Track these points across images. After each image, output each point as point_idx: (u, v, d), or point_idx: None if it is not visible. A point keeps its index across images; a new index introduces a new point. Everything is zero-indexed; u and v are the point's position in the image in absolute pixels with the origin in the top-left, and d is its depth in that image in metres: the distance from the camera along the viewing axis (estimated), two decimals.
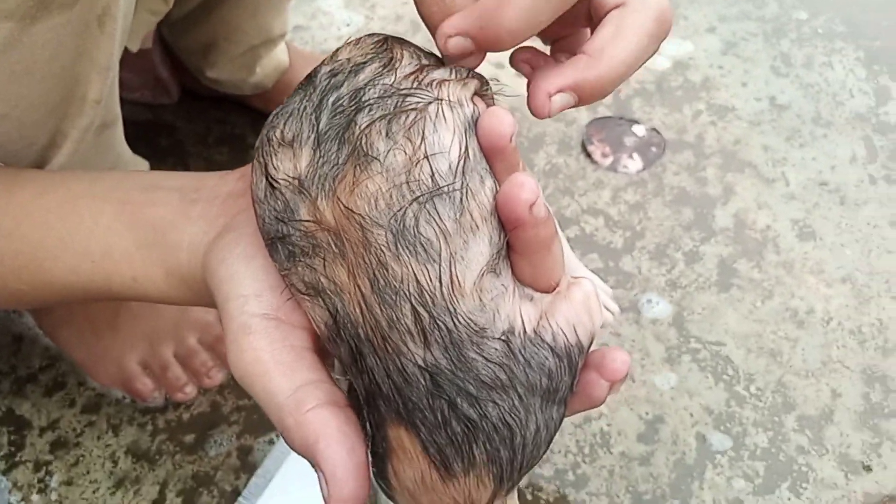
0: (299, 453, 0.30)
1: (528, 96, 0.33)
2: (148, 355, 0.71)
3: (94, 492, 0.67)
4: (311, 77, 0.32)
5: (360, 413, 0.31)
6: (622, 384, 0.33)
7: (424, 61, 0.32)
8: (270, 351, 0.31)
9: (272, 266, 0.32)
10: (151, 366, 0.71)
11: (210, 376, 0.71)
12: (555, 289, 0.31)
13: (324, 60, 0.32)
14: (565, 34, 0.38)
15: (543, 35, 0.38)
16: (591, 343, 0.32)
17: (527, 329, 0.30)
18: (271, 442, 0.69)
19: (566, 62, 0.33)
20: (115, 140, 0.57)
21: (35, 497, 0.66)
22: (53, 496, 0.66)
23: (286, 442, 0.31)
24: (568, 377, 0.31)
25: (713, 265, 0.79)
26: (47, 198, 0.42)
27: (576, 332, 0.31)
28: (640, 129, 0.89)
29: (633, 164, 0.86)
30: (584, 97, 0.33)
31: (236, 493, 0.66)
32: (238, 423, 0.70)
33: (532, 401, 0.30)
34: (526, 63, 0.36)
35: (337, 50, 0.33)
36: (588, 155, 0.87)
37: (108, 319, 0.71)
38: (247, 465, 0.68)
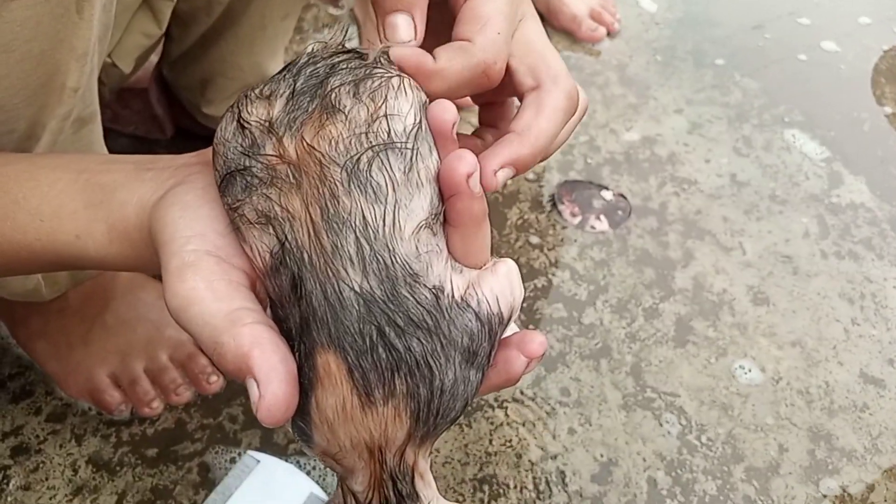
0: (232, 372, 0.32)
1: (480, 175, 0.37)
2: (118, 369, 0.72)
3: (50, 498, 0.67)
4: (290, 63, 0.36)
5: (290, 348, 0.33)
6: (537, 364, 0.36)
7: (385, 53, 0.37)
8: (209, 281, 0.33)
9: (217, 215, 0.35)
10: (121, 379, 0.72)
11: (178, 393, 0.73)
12: (482, 267, 0.35)
13: (302, 53, 0.37)
14: (493, 101, 0.45)
15: (475, 100, 0.46)
16: (510, 317, 0.35)
17: (454, 294, 0.33)
18: (233, 461, 0.70)
19: (502, 141, 0.38)
20: (94, 137, 0.58)
21: None
22: (9, 499, 0.66)
23: (219, 364, 0.32)
24: (487, 344, 0.34)
25: (671, 322, 0.83)
26: (10, 167, 0.44)
27: (498, 302, 0.34)
28: (607, 194, 0.94)
29: (600, 224, 0.91)
30: (520, 169, 0.38)
31: None
32: (201, 440, 0.71)
33: (453, 354, 0.33)
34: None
35: (312, 47, 0.37)
36: (559, 213, 0.92)
37: (81, 334, 0.72)
38: (207, 481, 0.68)
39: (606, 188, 0.95)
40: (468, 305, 0.33)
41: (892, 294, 0.87)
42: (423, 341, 0.32)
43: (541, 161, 0.40)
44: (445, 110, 0.34)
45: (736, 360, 0.80)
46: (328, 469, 0.69)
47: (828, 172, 1.00)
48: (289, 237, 0.32)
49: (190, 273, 0.33)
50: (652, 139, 1.02)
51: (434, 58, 0.37)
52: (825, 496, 0.70)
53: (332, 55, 0.35)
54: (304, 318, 0.32)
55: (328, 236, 0.32)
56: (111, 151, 0.61)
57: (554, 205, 0.92)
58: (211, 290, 0.33)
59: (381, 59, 0.36)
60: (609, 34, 1.17)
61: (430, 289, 0.33)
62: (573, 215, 0.91)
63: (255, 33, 0.78)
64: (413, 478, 0.34)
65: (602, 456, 0.72)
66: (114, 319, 0.73)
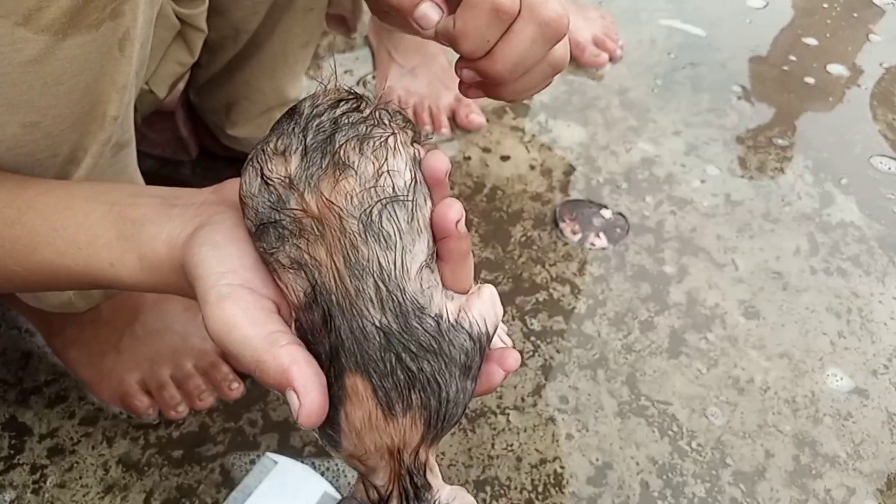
0: (273, 386, 0.38)
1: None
2: (147, 375, 0.77)
3: (84, 495, 0.72)
4: (294, 110, 0.42)
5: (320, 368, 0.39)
6: (510, 376, 0.42)
7: (381, 107, 0.42)
8: (244, 310, 0.39)
9: (246, 251, 0.41)
10: (149, 385, 0.77)
11: (202, 399, 0.78)
12: (468, 292, 0.41)
13: (303, 100, 0.42)
14: None
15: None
16: (494, 332, 0.42)
17: (450, 319, 0.39)
18: (252, 462, 0.75)
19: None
20: (129, 161, 0.64)
21: (29, 496, 0.72)
22: (46, 496, 0.72)
23: (261, 379, 0.38)
24: (479, 358, 0.41)
25: (665, 334, 0.87)
26: (49, 196, 0.49)
27: (486, 322, 0.41)
28: (607, 213, 0.99)
29: (599, 241, 0.96)
30: (482, 77, 0.43)
31: None
32: (223, 443, 0.76)
33: (454, 370, 0.39)
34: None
35: (314, 93, 0.43)
36: (560, 231, 0.97)
37: (113, 342, 0.78)
38: (228, 481, 0.74)
39: (606, 207, 1.00)
40: (462, 327, 0.40)
41: (878, 309, 0.91)
42: (432, 362, 0.38)
43: (515, 78, 0.44)
44: (439, 161, 0.40)
45: (726, 370, 0.84)
46: (342, 470, 0.74)
47: (819, 192, 1.04)
48: (318, 281, 0.38)
49: (228, 303, 0.39)
50: (650, 160, 1.07)
51: (454, 22, 0.42)
52: (808, 499, 0.75)
53: (333, 105, 0.41)
54: (334, 346, 0.38)
55: (351, 281, 0.38)
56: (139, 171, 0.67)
57: (556, 223, 0.98)
58: (248, 317, 0.39)
59: (377, 114, 0.41)
60: (611, 60, 1.22)
61: (432, 317, 0.39)
62: (574, 233, 0.96)
63: (277, 60, 0.84)
64: (425, 471, 0.41)
65: (598, 460, 0.77)
66: (143, 329, 0.78)
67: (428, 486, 0.41)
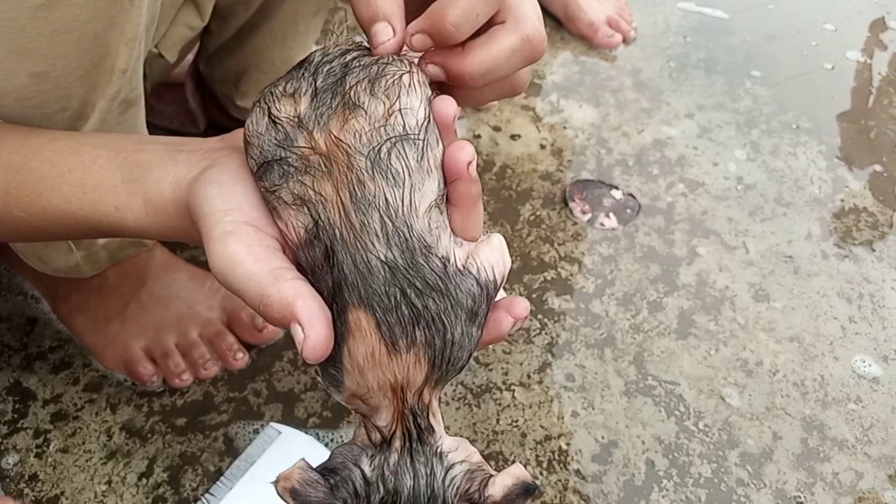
0: (277, 321, 0.37)
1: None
2: (152, 343, 0.77)
3: (87, 460, 0.72)
4: (304, 60, 0.41)
5: None
6: (520, 325, 0.42)
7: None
8: (248, 246, 0.38)
9: (250, 190, 0.40)
10: (154, 353, 0.77)
11: (206, 368, 0.78)
12: (477, 240, 0.41)
13: (314, 51, 0.42)
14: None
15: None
16: (502, 282, 0.41)
17: (458, 264, 0.39)
18: (256, 432, 0.74)
19: (449, 50, 0.42)
20: (138, 121, 0.63)
21: (32, 460, 0.72)
22: (49, 461, 0.72)
23: (264, 314, 0.37)
24: (485, 305, 0.40)
25: (674, 315, 0.86)
26: (55, 143, 0.49)
27: (493, 270, 0.40)
28: (617, 193, 0.98)
29: (609, 222, 0.95)
30: (449, 76, 0.42)
31: (219, 473, 0.71)
32: (227, 412, 0.76)
33: (459, 312, 0.38)
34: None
35: (325, 45, 0.42)
36: (569, 211, 0.96)
37: (118, 309, 0.78)
38: (231, 450, 0.73)
39: (616, 188, 0.99)
40: (469, 272, 0.39)
41: (889, 294, 0.90)
42: (437, 301, 0.38)
43: (481, 84, 0.43)
44: (448, 105, 0.39)
45: (735, 352, 0.83)
46: (345, 441, 0.74)
47: (832, 177, 1.03)
48: (322, 216, 0.38)
49: (231, 240, 0.38)
50: (662, 142, 1.06)
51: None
52: (816, 482, 0.74)
53: (344, 52, 0.41)
54: (337, 282, 0.38)
55: (356, 215, 0.37)
56: None
57: (565, 202, 0.97)
58: (252, 253, 0.38)
59: (392, 55, 0.40)
60: (625, 41, 1.21)
61: (439, 258, 0.38)
62: (583, 213, 0.96)
63: (287, 28, 0.84)
64: (428, 414, 0.40)
65: (603, 438, 0.76)
66: (149, 297, 0.78)
67: (431, 430, 0.40)
